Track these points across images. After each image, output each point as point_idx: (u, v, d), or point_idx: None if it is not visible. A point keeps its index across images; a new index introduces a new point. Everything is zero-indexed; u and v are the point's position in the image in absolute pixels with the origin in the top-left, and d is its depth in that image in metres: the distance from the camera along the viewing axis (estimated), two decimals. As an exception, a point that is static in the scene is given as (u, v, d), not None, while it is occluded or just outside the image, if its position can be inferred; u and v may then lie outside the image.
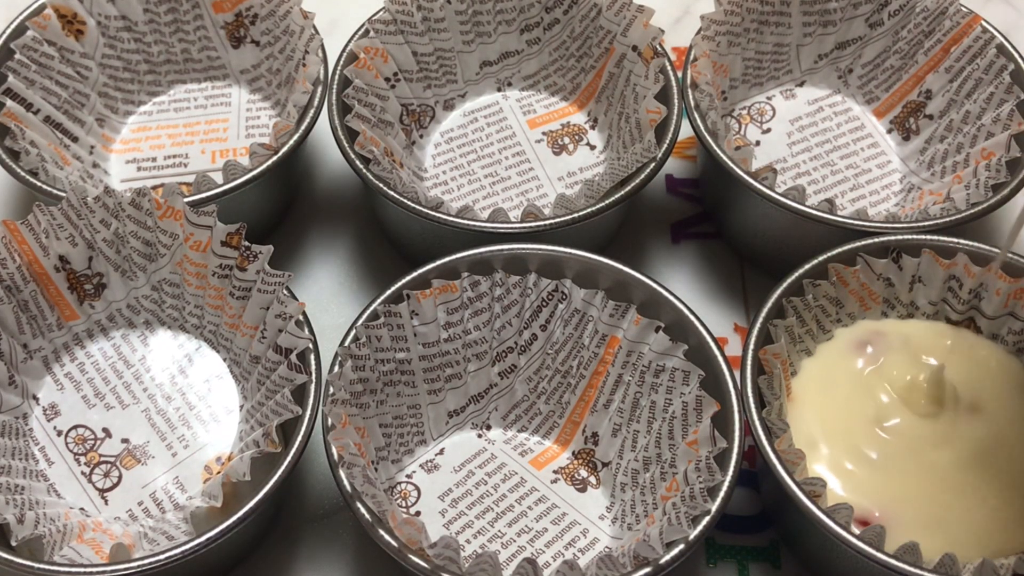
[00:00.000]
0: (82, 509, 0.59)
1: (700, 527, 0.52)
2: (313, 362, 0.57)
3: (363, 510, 0.52)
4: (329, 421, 0.54)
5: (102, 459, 0.61)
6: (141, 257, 0.63)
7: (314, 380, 0.57)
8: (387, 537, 0.52)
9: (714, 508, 0.52)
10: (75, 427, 0.62)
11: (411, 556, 0.51)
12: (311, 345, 0.58)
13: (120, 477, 0.60)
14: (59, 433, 0.62)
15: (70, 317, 0.64)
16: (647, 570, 0.51)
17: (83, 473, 0.60)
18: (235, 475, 0.54)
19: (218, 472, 0.60)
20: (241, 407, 0.62)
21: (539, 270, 0.61)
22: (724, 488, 0.53)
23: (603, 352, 0.61)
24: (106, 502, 0.60)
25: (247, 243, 0.60)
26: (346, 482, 0.53)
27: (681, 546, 0.51)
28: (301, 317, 0.58)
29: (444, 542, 0.50)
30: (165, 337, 0.66)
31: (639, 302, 0.60)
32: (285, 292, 0.59)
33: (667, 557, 0.51)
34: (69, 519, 0.57)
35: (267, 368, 0.60)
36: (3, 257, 0.60)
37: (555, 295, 0.61)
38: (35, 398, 0.63)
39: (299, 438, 0.55)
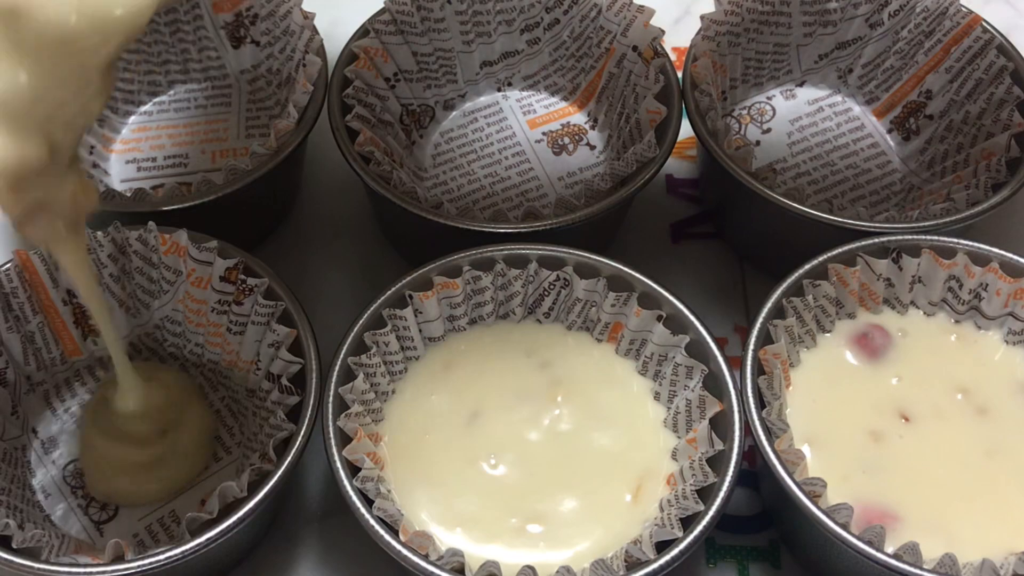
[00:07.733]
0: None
1: (698, 529, 0.52)
2: (314, 376, 0.57)
3: (363, 511, 0.52)
4: (331, 433, 0.54)
5: None
6: (145, 294, 0.62)
7: (313, 394, 0.56)
8: (387, 537, 0.52)
9: (713, 509, 0.53)
10: (72, 461, 0.61)
11: (412, 557, 0.51)
12: (303, 365, 0.57)
13: (116, 510, 0.60)
14: (56, 466, 0.61)
15: (72, 352, 0.63)
16: (644, 571, 0.51)
17: (79, 506, 0.60)
18: (231, 492, 0.54)
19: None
20: (239, 444, 0.62)
21: (540, 269, 0.61)
22: (724, 489, 0.53)
23: (607, 338, 0.62)
24: (101, 534, 0.59)
25: (243, 277, 0.60)
26: (351, 490, 0.53)
27: (680, 547, 0.51)
28: (301, 318, 0.58)
29: (451, 552, 0.51)
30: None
31: (639, 302, 0.60)
32: (276, 323, 0.58)
33: (664, 559, 0.51)
34: (67, 535, 0.57)
35: (261, 398, 0.60)
36: (15, 286, 0.59)
37: (557, 283, 0.61)
38: (34, 431, 0.62)
39: (293, 451, 0.54)
